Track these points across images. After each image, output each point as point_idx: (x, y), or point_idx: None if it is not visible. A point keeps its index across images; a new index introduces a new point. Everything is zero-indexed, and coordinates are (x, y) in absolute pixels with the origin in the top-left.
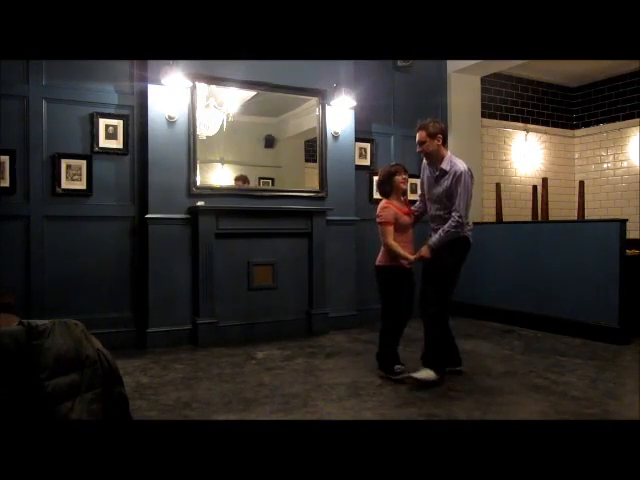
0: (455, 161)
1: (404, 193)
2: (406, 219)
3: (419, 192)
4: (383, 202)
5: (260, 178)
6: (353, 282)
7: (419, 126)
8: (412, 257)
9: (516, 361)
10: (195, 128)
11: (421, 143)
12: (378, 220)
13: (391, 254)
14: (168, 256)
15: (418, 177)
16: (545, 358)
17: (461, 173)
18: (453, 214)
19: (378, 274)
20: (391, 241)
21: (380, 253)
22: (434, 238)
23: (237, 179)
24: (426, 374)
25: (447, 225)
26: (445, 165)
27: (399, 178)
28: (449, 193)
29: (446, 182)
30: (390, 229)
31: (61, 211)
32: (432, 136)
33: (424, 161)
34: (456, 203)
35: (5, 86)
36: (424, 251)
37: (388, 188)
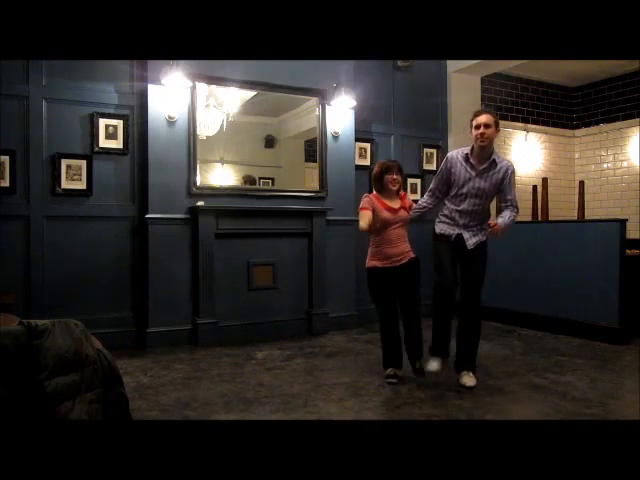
0: (500, 156)
1: (399, 190)
2: (386, 215)
3: (431, 187)
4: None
5: (260, 178)
6: (353, 282)
7: (483, 110)
8: (367, 225)
9: (516, 361)
10: (195, 128)
11: (487, 126)
12: (357, 211)
13: (372, 253)
14: (168, 256)
15: (417, 177)
16: (545, 358)
17: (513, 169)
18: (512, 207)
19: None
20: (362, 223)
21: None
22: (500, 220)
23: (245, 180)
24: (474, 379)
25: (511, 214)
26: (496, 158)
27: (388, 177)
28: (499, 187)
29: (496, 176)
30: (363, 212)
31: (61, 211)
32: (496, 125)
33: (453, 155)
34: (514, 198)
35: (5, 86)
36: (495, 225)
37: (379, 186)
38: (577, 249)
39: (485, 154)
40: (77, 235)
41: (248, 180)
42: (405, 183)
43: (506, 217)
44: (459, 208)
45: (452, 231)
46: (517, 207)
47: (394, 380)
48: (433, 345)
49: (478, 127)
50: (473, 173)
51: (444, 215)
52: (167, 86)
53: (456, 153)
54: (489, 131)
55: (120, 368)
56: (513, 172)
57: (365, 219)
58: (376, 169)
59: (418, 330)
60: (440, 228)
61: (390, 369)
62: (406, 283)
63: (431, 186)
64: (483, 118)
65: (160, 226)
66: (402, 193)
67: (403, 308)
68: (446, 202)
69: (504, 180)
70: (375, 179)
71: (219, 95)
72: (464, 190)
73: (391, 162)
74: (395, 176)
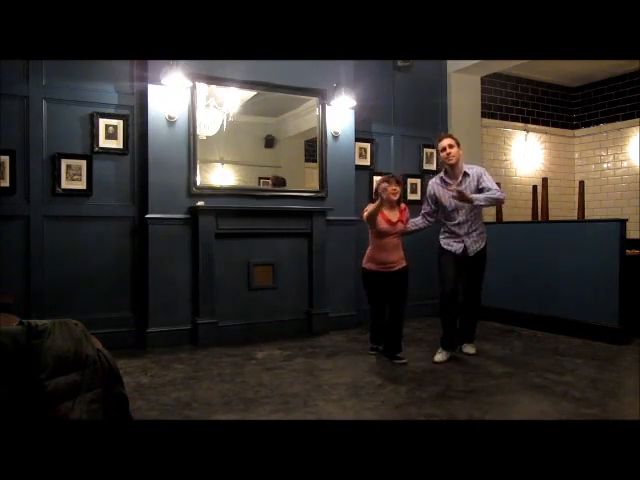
0: (470, 165)
1: (399, 202)
2: (384, 226)
3: (424, 210)
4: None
5: (260, 178)
6: (353, 282)
7: (444, 135)
8: (379, 204)
9: (516, 361)
10: (195, 128)
11: (451, 146)
12: (362, 217)
13: (369, 256)
14: (168, 256)
15: (418, 177)
16: (545, 358)
17: (484, 171)
18: (498, 191)
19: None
20: (369, 209)
21: None
22: (480, 195)
23: (273, 181)
24: (475, 347)
25: (491, 193)
26: (467, 169)
27: (389, 189)
28: (478, 189)
29: (472, 183)
30: (369, 206)
31: (61, 211)
32: (458, 145)
33: (432, 182)
34: (495, 186)
35: (5, 86)
36: (464, 194)
37: (380, 197)
38: (577, 249)
39: (457, 170)
40: (77, 235)
41: (276, 182)
42: (405, 183)
43: (485, 194)
44: (455, 222)
45: (458, 245)
46: (500, 191)
47: (374, 353)
48: (442, 339)
49: (443, 149)
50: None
51: (446, 231)
52: (167, 86)
53: (434, 180)
54: (454, 150)
55: (120, 368)
56: (485, 172)
57: (369, 208)
58: (377, 183)
59: (398, 329)
60: (445, 243)
61: (373, 345)
62: (395, 287)
63: (422, 210)
64: (446, 141)
65: (160, 226)
66: (402, 206)
67: (390, 307)
68: (443, 221)
69: (479, 182)
70: (377, 191)
71: (219, 95)
72: (453, 206)
73: (389, 177)
74: (394, 187)
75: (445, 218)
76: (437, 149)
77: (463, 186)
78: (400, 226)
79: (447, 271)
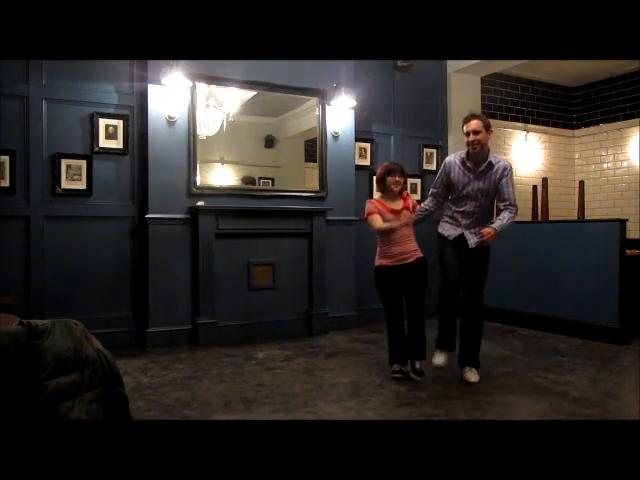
0: (497, 156)
1: (401, 191)
2: (389, 217)
3: (434, 189)
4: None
5: (260, 178)
6: (353, 282)
7: (471, 115)
8: (397, 224)
9: (516, 361)
10: (195, 128)
11: (476, 132)
12: (363, 218)
13: (380, 252)
14: (168, 256)
15: (417, 177)
16: (545, 358)
17: (510, 167)
18: (511, 207)
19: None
20: (379, 225)
21: None
22: (498, 223)
23: (245, 181)
24: (477, 375)
25: (509, 216)
26: (492, 159)
27: (391, 179)
28: (496, 187)
29: (494, 176)
30: (374, 217)
31: (61, 211)
32: (486, 128)
33: (450, 160)
34: (512, 197)
35: (5, 86)
36: (489, 232)
37: (382, 187)
38: (577, 249)
39: (481, 157)
40: (77, 235)
41: (248, 181)
42: (406, 183)
43: (504, 219)
44: (461, 209)
45: (454, 232)
46: (516, 207)
47: (399, 375)
48: (439, 338)
49: (468, 134)
50: (471, 176)
51: (447, 216)
52: (167, 86)
53: (453, 157)
54: (479, 136)
55: (120, 368)
56: (510, 170)
57: (378, 220)
58: (379, 171)
59: (421, 331)
60: (443, 228)
61: (395, 365)
62: (412, 282)
63: (432, 190)
64: (472, 125)
65: (160, 226)
66: (404, 194)
67: (408, 307)
68: (449, 204)
69: (502, 179)
70: (378, 181)
71: (219, 95)
72: (464, 192)
73: (393, 165)
74: (397, 178)
75: (453, 201)
76: (463, 130)
77: (483, 177)
78: (406, 214)
79: (447, 256)
